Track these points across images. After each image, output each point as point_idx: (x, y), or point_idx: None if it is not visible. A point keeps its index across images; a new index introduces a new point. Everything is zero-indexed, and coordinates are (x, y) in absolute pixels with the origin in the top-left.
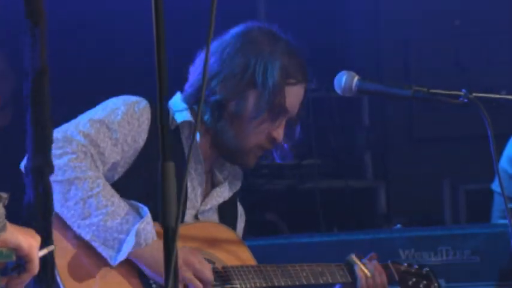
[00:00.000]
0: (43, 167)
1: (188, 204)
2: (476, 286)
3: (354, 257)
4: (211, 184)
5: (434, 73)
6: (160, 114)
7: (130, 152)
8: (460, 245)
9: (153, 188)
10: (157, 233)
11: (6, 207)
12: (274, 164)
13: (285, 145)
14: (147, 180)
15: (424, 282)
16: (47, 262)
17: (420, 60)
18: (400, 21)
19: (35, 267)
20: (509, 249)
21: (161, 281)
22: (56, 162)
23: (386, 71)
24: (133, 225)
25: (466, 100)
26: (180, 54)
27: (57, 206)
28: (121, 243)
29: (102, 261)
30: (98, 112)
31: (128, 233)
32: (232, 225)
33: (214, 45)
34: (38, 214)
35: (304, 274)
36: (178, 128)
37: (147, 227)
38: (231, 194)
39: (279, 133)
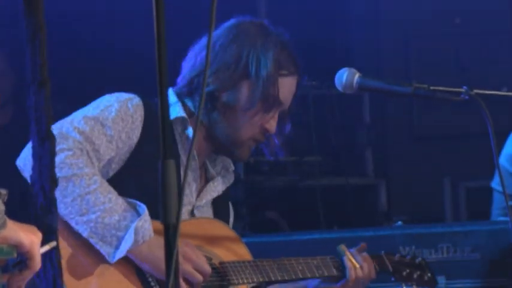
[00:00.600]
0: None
1: (184, 200)
2: (476, 283)
3: (342, 247)
4: (205, 179)
5: (434, 73)
6: (161, 112)
7: (125, 148)
8: (460, 242)
9: (146, 184)
10: (154, 230)
11: (6, 203)
12: (275, 161)
13: (276, 141)
14: (140, 177)
15: (418, 272)
16: (54, 257)
17: (420, 60)
18: (400, 21)
19: (37, 264)
20: (509, 246)
21: (159, 276)
22: None
23: (387, 71)
24: (131, 222)
25: (467, 97)
26: (180, 54)
27: None
28: (119, 240)
29: (100, 259)
30: (92, 109)
31: (126, 230)
32: (226, 220)
33: (206, 38)
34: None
35: (300, 268)
36: (171, 124)
37: (145, 224)
38: (224, 188)
39: (272, 125)
